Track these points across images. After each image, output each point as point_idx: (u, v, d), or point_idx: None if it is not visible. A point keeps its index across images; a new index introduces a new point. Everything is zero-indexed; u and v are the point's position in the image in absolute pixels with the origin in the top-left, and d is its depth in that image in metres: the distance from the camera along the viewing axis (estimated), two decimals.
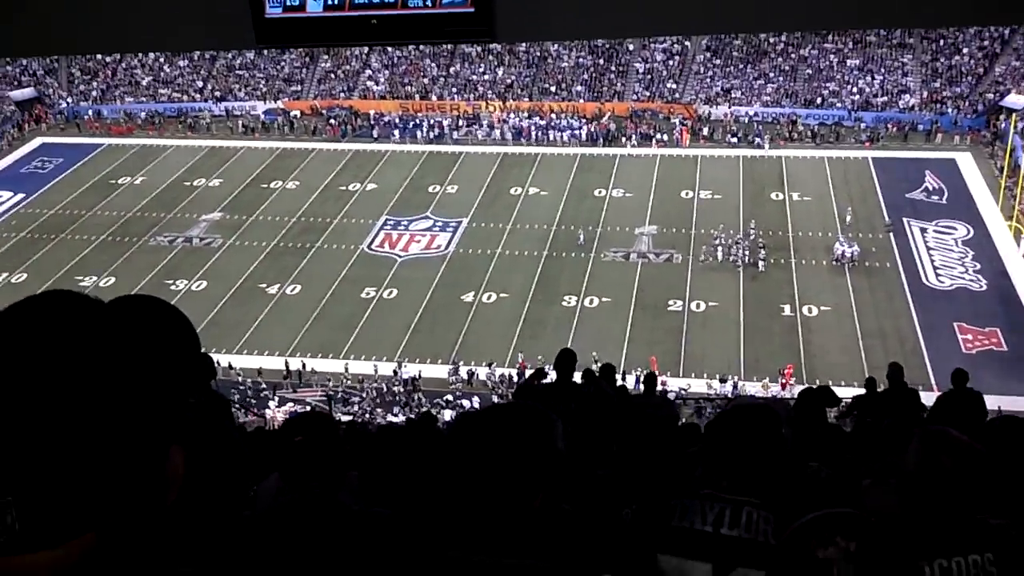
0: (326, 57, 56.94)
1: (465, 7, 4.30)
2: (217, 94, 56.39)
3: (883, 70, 50.17)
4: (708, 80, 51.89)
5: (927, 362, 29.82)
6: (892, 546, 2.65)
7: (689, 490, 3.13)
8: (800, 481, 3.91)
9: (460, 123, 51.68)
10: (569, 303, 35.27)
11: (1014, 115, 42.16)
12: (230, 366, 31.77)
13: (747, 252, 37.23)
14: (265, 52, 54.40)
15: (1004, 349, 30.46)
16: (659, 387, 19.55)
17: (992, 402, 23.00)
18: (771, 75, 51.38)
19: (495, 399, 28.46)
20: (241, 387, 31.18)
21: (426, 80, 55.16)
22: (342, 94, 55.10)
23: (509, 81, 53.99)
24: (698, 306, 34.60)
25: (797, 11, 4.50)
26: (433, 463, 6.18)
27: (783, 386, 29.22)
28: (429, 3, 4.30)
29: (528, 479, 2.01)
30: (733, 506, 3.03)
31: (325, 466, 3.69)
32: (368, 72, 56.23)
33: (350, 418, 25.50)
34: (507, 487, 1.99)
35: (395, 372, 31.87)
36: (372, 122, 52.35)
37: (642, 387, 9.90)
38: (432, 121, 51.81)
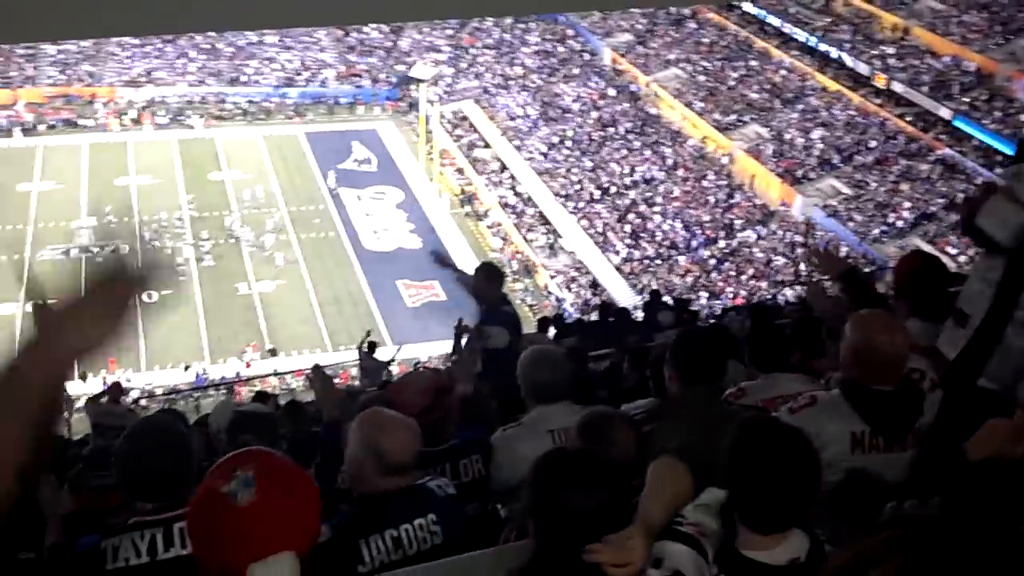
0: None
1: None
2: None
3: (301, 46, 52.50)
4: (127, 61, 49.84)
5: (380, 320, 32.75)
6: (339, 532, 3.03)
7: (117, 527, 3.04)
8: None
9: None
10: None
11: (423, 84, 46.97)
12: None
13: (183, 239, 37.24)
14: None
15: (443, 298, 33.30)
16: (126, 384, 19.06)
17: (438, 348, 26.04)
18: (192, 54, 50.97)
19: None
20: None
21: None
22: None
23: None
24: (150, 296, 33.64)
25: None
26: None
27: (248, 364, 30.07)
28: None
29: None
30: (164, 527, 2.99)
31: None
32: None
33: None
34: None
35: None
36: None
37: None
38: None
